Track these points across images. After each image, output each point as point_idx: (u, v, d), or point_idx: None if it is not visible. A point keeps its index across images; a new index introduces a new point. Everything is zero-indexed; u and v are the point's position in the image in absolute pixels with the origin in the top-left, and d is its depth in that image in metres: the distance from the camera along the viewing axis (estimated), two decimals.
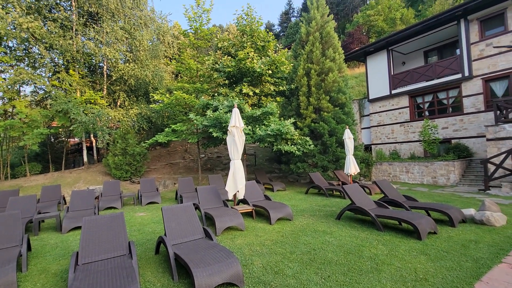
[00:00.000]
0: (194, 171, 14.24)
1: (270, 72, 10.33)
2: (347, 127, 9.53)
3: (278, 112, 10.61)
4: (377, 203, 5.68)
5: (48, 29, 11.74)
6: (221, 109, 9.42)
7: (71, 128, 12.00)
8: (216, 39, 11.53)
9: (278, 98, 11.49)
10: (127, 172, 12.53)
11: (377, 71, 15.41)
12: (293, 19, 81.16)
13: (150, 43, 14.96)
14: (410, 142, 13.88)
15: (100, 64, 14.64)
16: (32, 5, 11.89)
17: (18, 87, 12.46)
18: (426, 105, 13.54)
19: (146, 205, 8.66)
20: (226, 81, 11.19)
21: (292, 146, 9.81)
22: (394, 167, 12.54)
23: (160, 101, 12.54)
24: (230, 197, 6.47)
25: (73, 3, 12.72)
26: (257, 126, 9.91)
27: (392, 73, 14.72)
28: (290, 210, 6.04)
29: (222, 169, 14.63)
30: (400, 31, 13.63)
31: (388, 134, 15.04)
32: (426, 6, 41.61)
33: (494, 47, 10.66)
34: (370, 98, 15.68)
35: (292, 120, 9.49)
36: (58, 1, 12.67)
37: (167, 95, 11.39)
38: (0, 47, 11.70)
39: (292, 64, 11.22)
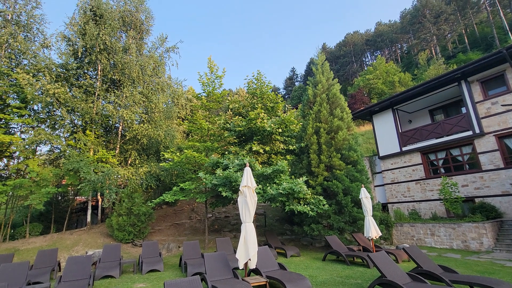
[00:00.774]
0: (201, 232, 13.40)
1: (280, 130, 10.49)
2: (362, 185, 9.10)
3: (289, 170, 10.40)
4: (411, 276, 4.92)
5: (73, 94, 12.69)
6: (231, 168, 9.28)
7: (79, 187, 11.86)
8: (227, 100, 12.16)
9: (288, 156, 11.41)
10: (130, 233, 11.84)
11: (385, 129, 15.59)
12: (297, 83, 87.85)
13: (165, 106, 15.87)
14: (429, 201, 13.09)
15: (116, 125, 15.33)
16: (62, 74, 13.14)
17: (35, 146, 12.86)
18: (440, 162, 13.20)
19: (146, 274, 7.83)
20: (236, 140, 11.34)
21: (305, 206, 9.28)
22: (417, 229, 11.54)
23: (170, 160, 12.59)
24: (241, 266, 5.79)
25: (99, 72, 14.04)
26: (267, 184, 9.60)
27: (400, 131, 14.83)
28: (309, 283, 5.28)
29: (230, 230, 13.75)
30: (403, 92, 14.21)
31: (404, 192, 14.37)
32: (422, 71, 44.73)
33: (502, 105, 10.81)
34: (381, 155, 15.51)
35: (304, 178, 9.18)
36: (85, 71, 14.00)
37: (178, 153, 11.48)
38: (25, 110, 12.53)
39: (301, 123, 11.46)
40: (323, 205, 9.48)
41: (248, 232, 5.89)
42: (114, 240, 11.92)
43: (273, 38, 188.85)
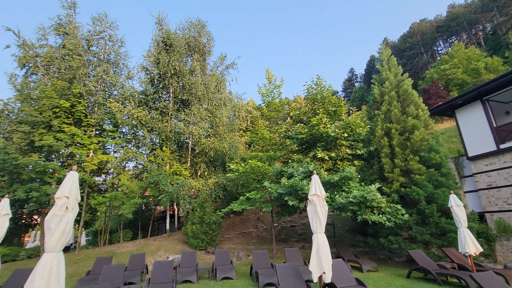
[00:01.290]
0: (267, 241, 13.44)
1: (345, 135, 9.92)
2: (451, 192, 7.81)
3: (358, 176, 9.67)
4: None
5: (152, 116, 14.52)
6: (296, 176, 9.11)
7: (159, 198, 13.30)
8: (288, 108, 12.16)
9: (356, 162, 10.66)
10: (203, 241, 12.64)
11: (473, 124, 13.23)
12: (357, 84, 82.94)
13: (228, 119, 16.79)
14: None
15: (186, 140, 16.87)
16: (142, 100, 15.22)
17: (124, 163, 15.05)
18: None
19: (220, 281, 8.16)
20: (299, 147, 11.16)
21: (380, 215, 8.43)
22: None
23: (235, 170, 13.15)
24: (315, 279, 5.51)
25: (171, 95, 15.78)
26: (335, 192, 9.09)
27: (495, 125, 12.39)
28: None
29: (297, 240, 13.43)
30: (496, 79, 11.89)
31: (507, 199, 11.78)
32: None
33: None
34: (470, 155, 13.15)
35: (377, 185, 8.40)
36: (160, 95, 15.93)
37: (242, 164, 11.89)
38: (117, 133, 14.85)
39: (368, 126, 10.63)
40: (402, 214, 8.46)
41: (321, 244, 5.60)
42: (189, 246, 12.88)
43: (327, 40, 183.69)
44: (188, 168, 15.66)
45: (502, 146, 11.98)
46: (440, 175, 9.26)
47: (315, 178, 6.10)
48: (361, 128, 10.38)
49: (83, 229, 14.85)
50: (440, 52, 67.56)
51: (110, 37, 15.32)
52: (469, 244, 6.96)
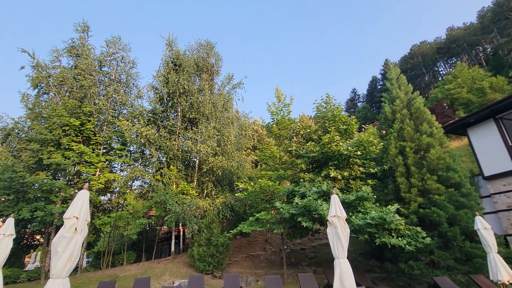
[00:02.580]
0: (277, 265, 12.78)
1: (359, 153, 9.68)
2: (477, 213, 7.39)
3: (374, 196, 9.30)
4: None
5: (160, 134, 14.48)
6: (309, 196, 8.77)
7: (165, 218, 12.91)
8: (297, 127, 12.04)
9: (369, 181, 10.31)
10: (210, 264, 12.06)
11: (487, 143, 12.92)
12: (359, 104, 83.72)
13: (235, 138, 16.71)
14: None
15: (193, 159, 16.70)
16: (151, 118, 15.27)
17: (131, 182, 14.82)
18: None
19: None
20: (310, 166, 10.90)
21: (399, 238, 7.97)
22: None
23: (243, 189, 12.84)
24: None
25: (179, 113, 15.85)
26: (350, 213, 8.68)
27: (510, 144, 12.07)
28: None
29: (308, 264, 12.75)
30: (508, 97, 11.77)
31: None
32: None
33: None
34: (486, 175, 12.70)
35: (395, 205, 8.02)
36: (169, 113, 16.01)
37: (251, 183, 11.59)
38: (124, 151, 14.76)
39: (382, 144, 10.41)
40: (423, 237, 7.99)
41: (344, 270, 5.22)
42: (195, 270, 12.28)
43: (330, 62, 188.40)
44: (195, 187, 15.35)
45: None
46: (461, 196, 8.85)
47: (334, 198, 5.81)
48: (373, 147, 10.14)
49: (85, 251, 14.37)
50: (441, 72, 68.48)
51: (122, 58, 15.72)
52: (502, 271, 6.45)
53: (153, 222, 16.89)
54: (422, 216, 9.11)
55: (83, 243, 12.82)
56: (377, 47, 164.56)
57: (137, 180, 15.27)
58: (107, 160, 14.15)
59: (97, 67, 15.20)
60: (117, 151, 14.17)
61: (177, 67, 16.25)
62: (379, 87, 75.58)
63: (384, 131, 11.87)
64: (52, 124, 12.23)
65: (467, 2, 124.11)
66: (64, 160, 11.73)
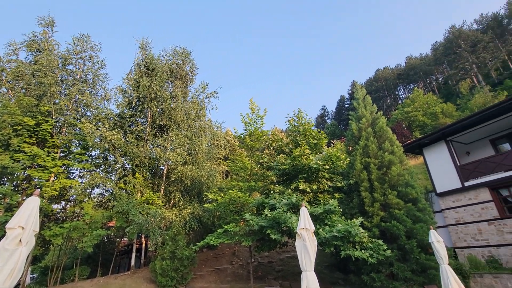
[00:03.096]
0: (244, 279, 12.51)
1: (327, 167, 10.03)
2: (431, 227, 7.97)
3: (340, 210, 9.62)
4: None
5: (127, 140, 13.73)
6: (279, 208, 8.82)
7: (127, 230, 12.09)
8: (270, 139, 12.19)
9: (336, 194, 10.69)
10: (173, 279, 11.41)
11: (439, 163, 14.19)
12: (328, 121, 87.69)
13: (206, 147, 16.42)
14: (511, 246, 11.01)
15: (161, 167, 16.02)
16: (118, 122, 14.47)
17: (90, 189, 13.73)
18: None
19: None
20: (280, 179, 11.02)
21: (363, 251, 8.28)
22: (504, 281, 9.54)
23: (212, 200, 12.54)
24: None
25: (149, 119, 15.24)
26: (318, 226, 8.87)
27: (458, 164, 13.37)
28: None
29: (275, 277, 12.66)
30: (457, 122, 13.12)
31: (474, 235, 12.34)
32: (465, 100, 42.14)
33: None
34: (438, 191, 13.89)
35: (360, 219, 8.36)
36: (137, 118, 15.31)
37: (221, 194, 11.38)
38: (85, 156, 13.72)
39: (348, 159, 10.91)
40: (384, 250, 8.39)
41: (310, 283, 5.25)
42: (157, 286, 11.55)
43: (301, 79, 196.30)
44: (162, 197, 14.66)
45: (466, 184, 12.83)
46: (417, 210, 9.52)
47: (304, 210, 5.90)
48: (341, 161, 10.60)
49: (29, 265, 12.83)
50: (401, 96, 74.77)
51: (90, 57, 14.85)
52: (452, 282, 6.96)
53: (112, 234, 15.67)
54: (383, 229, 9.60)
55: (27, 257, 11.50)
56: (347, 68, 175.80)
57: (97, 188, 14.17)
58: (64, 164, 13.00)
59: (60, 65, 14.16)
60: (77, 156, 13.09)
61: (149, 72, 15.74)
62: (346, 105, 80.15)
63: (350, 147, 12.50)
64: (1, 123, 11.03)
65: (424, 34, 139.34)
66: (13, 163, 10.56)
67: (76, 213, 14.03)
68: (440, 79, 67.30)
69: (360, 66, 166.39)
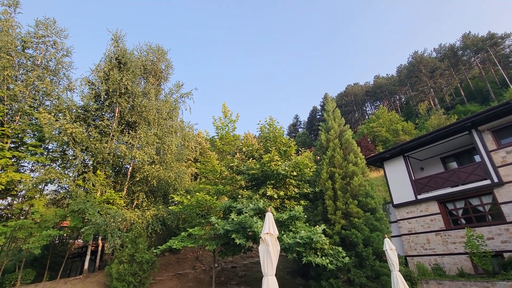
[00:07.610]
0: (205, 284, 12.26)
1: (294, 173, 10.31)
2: (386, 236, 8.54)
3: (305, 216, 9.92)
4: None
5: (89, 134, 12.91)
6: (246, 212, 8.86)
7: (82, 230, 11.28)
8: (241, 144, 12.25)
9: (302, 201, 11.02)
10: (130, 284, 10.82)
11: (397, 176, 15.31)
12: (300, 130, 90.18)
13: (176, 148, 16.01)
14: (453, 255, 12.14)
15: (126, 166, 15.27)
16: (81, 115, 13.57)
17: (43, 185, 12.63)
18: (460, 212, 12.62)
19: None
20: (249, 183, 11.09)
21: (323, 257, 8.60)
22: (446, 287, 10.48)
23: (178, 202, 12.20)
24: None
25: (116, 114, 14.50)
26: (282, 232, 9.06)
27: (413, 178, 14.53)
28: None
29: (238, 283, 12.59)
30: (413, 140, 14.30)
31: (423, 244, 13.44)
32: (423, 120, 46.05)
33: None
34: (395, 203, 14.96)
35: (322, 226, 8.68)
36: (104, 113, 14.49)
37: (188, 196, 11.14)
38: (40, 149, 12.63)
39: (315, 167, 11.33)
40: (343, 257, 8.78)
41: (271, 287, 5.32)
42: None
43: (276, 87, 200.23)
44: (124, 197, 13.93)
45: (419, 197, 13.98)
46: (375, 220, 10.14)
47: (269, 215, 6.01)
48: (308, 169, 10.97)
49: None
50: (368, 112, 79.52)
51: (54, 43, 13.82)
52: (401, 287, 7.49)
53: (65, 234, 14.48)
54: (343, 236, 10.06)
55: None
56: (321, 81, 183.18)
57: (51, 184, 13.06)
58: (14, 156, 11.86)
59: (19, 48, 13.01)
60: (30, 148, 11.98)
61: (121, 65, 15.04)
62: (318, 116, 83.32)
63: (318, 157, 13.00)
64: None
65: (392, 56, 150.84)
66: None
67: (24, 210, 12.79)
68: (403, 99, 72.97)
69: (333, 80, 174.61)
